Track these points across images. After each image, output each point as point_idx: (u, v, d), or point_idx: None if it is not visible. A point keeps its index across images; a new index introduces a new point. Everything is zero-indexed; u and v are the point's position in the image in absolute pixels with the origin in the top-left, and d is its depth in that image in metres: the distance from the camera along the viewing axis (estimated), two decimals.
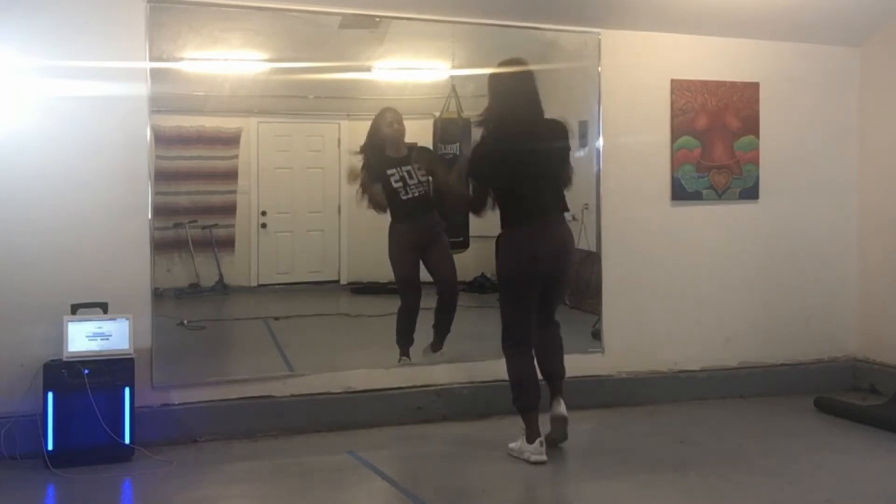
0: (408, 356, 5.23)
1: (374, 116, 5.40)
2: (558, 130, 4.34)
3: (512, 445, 4.29)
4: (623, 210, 5.35)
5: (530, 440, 4.18)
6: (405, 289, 5.36)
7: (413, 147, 5.39)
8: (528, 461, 4.15)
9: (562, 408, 4.33)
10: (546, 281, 4.26)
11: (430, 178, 5.21)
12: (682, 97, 5.46)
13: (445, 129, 5.59)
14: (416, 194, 5.25)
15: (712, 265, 5.59)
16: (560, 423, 4.33)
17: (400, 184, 5.23)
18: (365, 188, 5.37)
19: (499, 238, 4.29)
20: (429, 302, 5.37)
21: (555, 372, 4.40)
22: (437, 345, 5.29)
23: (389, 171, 5.24)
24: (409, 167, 5.23)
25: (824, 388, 5.48)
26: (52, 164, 4.30)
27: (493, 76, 4.34)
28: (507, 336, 4.31)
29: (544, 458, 4.15)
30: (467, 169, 4.44)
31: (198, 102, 7.38)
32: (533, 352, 4.32)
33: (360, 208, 5.58)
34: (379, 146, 5.32)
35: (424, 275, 5.41)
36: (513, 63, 4.31)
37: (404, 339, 5.28)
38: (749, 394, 5.53)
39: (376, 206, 5.36)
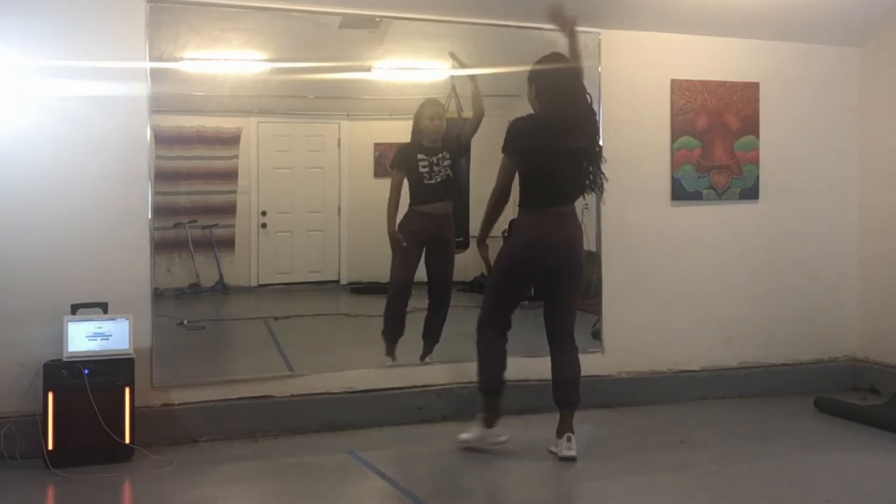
0: (393, 357, 5.23)
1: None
2: (596, 133, 4.37)
3: (464, 436, 4.28)
4: (623, 210, 5.34)
5: (489, 424, 4.21)
6: (396, 289, 5.36)
7: (449, 139, 5.43)
8: (495, 445, 4.19)
9: (566, 448, 4.13)
10: (551, 276, 4.21)
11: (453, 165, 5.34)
12: (682, 97, 5.46)
13: (445, 129, 5.58)
14: (439, 179, 5.30)
15: (712, 265, 5.58)
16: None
17: (426, 169, 5.28)
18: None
19: (512, 221, 4.27)
20: (421, 302, 5.38)
21: (565, 400, 4.24)
22: (425, 356, 5.26)
23: (420, 157, 5.28)
24: (439, 155, 5.28)
25: (824, 388, 5.48)
26: (53, 164, 4.30)
27: (539, 71, 4.27)
28: (481, 312, 4.31)
29: (507, 436, 4.21)
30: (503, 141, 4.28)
31: (198, 102, 7.37)
32: (507, 334, 4.30)
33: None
34: (418, 136, 5.36)
35: (419, 275, 5.40)
36: (556, 58, 4.26)
37: (391, 336, 5.28)
38: (749, 394, 5.53)
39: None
